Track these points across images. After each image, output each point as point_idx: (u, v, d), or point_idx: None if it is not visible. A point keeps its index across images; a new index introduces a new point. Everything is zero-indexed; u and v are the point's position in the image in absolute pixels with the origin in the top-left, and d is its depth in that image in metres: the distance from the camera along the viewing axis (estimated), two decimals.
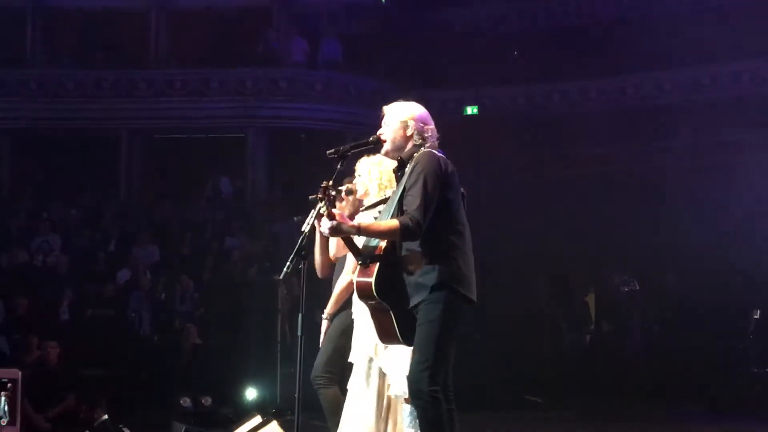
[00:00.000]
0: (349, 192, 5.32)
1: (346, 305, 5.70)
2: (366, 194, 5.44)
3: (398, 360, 5.07)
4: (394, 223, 4.53)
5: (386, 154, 4.83)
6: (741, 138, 16.16)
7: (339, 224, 4.52)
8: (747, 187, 14.07)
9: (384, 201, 5.27)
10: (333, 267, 5.96)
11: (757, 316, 11.23)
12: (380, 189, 5.35)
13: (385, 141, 4.78)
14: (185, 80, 18.07)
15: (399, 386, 5.09)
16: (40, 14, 18.81)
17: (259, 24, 18.75)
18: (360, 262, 4.65)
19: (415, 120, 4.76)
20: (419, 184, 4.56)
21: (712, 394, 11.16)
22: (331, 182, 4.64)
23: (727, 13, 16.73)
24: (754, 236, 13.17)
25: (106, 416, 9.03)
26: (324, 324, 5.88)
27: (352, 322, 5.50)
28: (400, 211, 4.61)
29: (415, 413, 4.91)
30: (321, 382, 5.82)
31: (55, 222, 15.58)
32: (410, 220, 4.51)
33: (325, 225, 4.53)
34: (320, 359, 5.83)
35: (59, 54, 18.72)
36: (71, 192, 17.50)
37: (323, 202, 4.55)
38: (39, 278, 13.33)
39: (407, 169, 4.70)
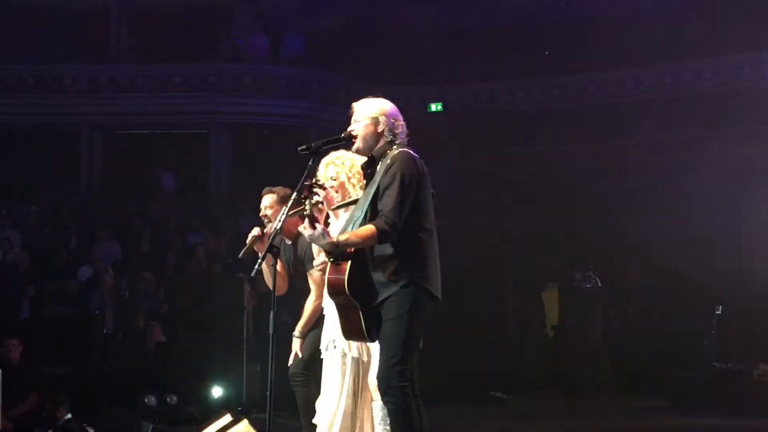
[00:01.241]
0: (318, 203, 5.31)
1: (317, 324, 5.72)
2: (347, 197, 5.41)
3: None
4: (371, 229, 4.53)
5: (357, 151, 4.83)
6: (704, 135, 16.34)
7: (320, 235, 4.52)
8: (709, 184, 14.22)
9: (355, 201, 5.27)
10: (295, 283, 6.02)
11: (718, 312, 11.36)
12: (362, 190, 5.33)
13: (356, 138, 4.78)
14: (147, 76, 17.92)
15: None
16: (0, 9, 18.56)
17: (221, 19, 18.64)
18: (331, 260, 4.65)
19: (386, 116, 4.76)
20: (395, 185, 4.56)
21: (674, 389, 11.28)
22: (314, 180, 4.64)
23: (688, 12, 16.90)
24: (716, 232, 13.31)
25: (69, 415, 8.93)
26: (296, 342, 5.88)
27: None
28: (374, 210, 4.61)
29: (386, 409, 4.93)
30: (299, 380, 5.83)
31: (15, 219, 15.39)
32: (386, 223, 4.53)
33: (306, 231, 4.54)
34: (299, 358, 5.83)
35: (19, 49, 18.47)
36: (31, 188, 17.30)
37: (307, 201, 4.55)
38: None
39: (379, 167, 4.70)
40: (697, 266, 13.13)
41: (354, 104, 4.84)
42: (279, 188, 6.11)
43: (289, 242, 5.97)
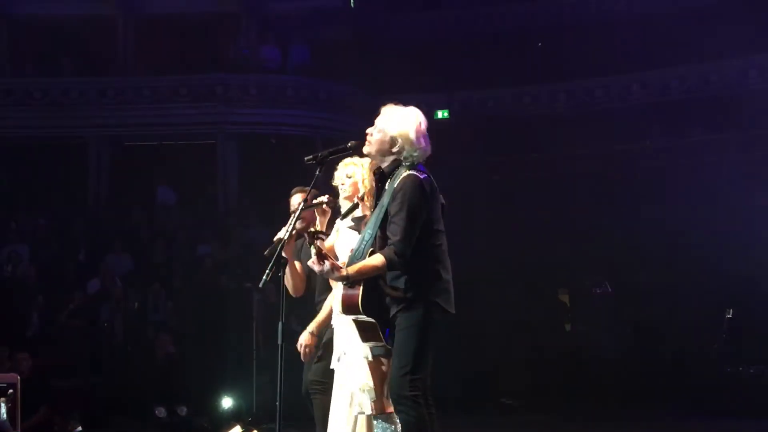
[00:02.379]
0: (332, 204, 5.29)
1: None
2: (354, 197, 5.41)
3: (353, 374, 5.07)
4: (380, 260, 4.60)
5: (368, 155, 4.85)
6: (711, 138, 16.32)
7: (330, 271, 4.56)
8: (718, 187, 14.18)
9: (355, 206, 5.28)
10: (308, 285, 5.97)
11: (729, 316, 11.30)
12: (368, 197, 5.32)
13: (369, 143, 4.78)
14: (154, 87, 17.93)
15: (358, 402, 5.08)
16: (6, 22, 18.61)
17: (228, 30, 18.67)
18: (345, 282, 4.69)
19: (404, 141, 4.74)
20: (403, 214, 4.61)
21: (686, 393, 11.23)
22: (318, 228, 4.69)
23: (692, 15, 16.87)
24: (725, 235, 13.27)
25: (80, 428, 8.94)
26: (306, 336, 5.82)
27: None
28: (383, 234, 4.64)
29: (380, 421, 4.92)
30: (318, 388, 5.79)
31: (24, 232, 15.41)
32: (395, 254, 4.60)
33: (316, 267, 4.59)
34: (319, 366, 5.79)
35: (26, 63, 18.53)
36: (39, 201, 17.32)
37: (312, 246, 4.58)
38: (8, 289, 13.17)
39: (388, 186, 4.73)
40: (707, 270, 13.09)
41: (384, 108, 4.83)
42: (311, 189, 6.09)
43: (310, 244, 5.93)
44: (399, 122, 4.75)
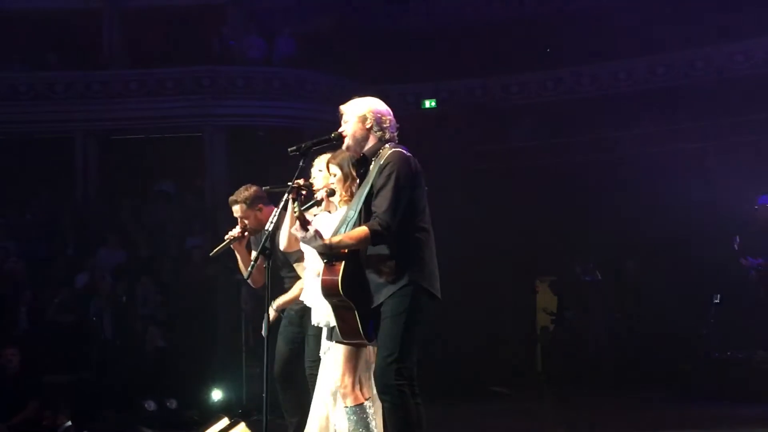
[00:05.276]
0: (332, 193, 5.26)
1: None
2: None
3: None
4: (364, 231, 4.53)
5: (348, 149, 4.85)
6: (696, 126, 16.32)
7: (312, 238, 4.51)
8: (703, 174, 14.22)
9: (318, 203, 5.26)
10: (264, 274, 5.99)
11: (717, 301, 11.33)
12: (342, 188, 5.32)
13: (345, 136, 4.80)
14: (140, 80, 17.87)
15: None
16: None
17: (213, 22, 18.62)
18: (325, 261, 4.64)
19: (373, 112, 4.79)
20: (390, 186, 4.56)
21: (674, 380, 11.28)
22: (302, 181, 4.65)
23: (678, 2, 16.87)
24: (710, 222, 13.30)
25: (69, 422, 8.94)
26: (271, 312, 5.84)
27: None
28: (368, 210, 4.61)
29: (351, 413, 4.91)
30: (316, 372, 5.77)
31: (11, 228, 15.37)
32: (380, 225, 4.52)
33: (299, 233, 4.53)
34: (313, 350, 5.77)
35: (11, 57, 18.44)
36: (26, 196, 17.27)
37: (294, 203, 4.54)
38: None
39: (372, 167, 4.71)
40: (694, 256, 13.12)
41: (341, 107, 4.88)
42: (240, 191, 6.17)
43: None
44: (360, 103, 4.84)
